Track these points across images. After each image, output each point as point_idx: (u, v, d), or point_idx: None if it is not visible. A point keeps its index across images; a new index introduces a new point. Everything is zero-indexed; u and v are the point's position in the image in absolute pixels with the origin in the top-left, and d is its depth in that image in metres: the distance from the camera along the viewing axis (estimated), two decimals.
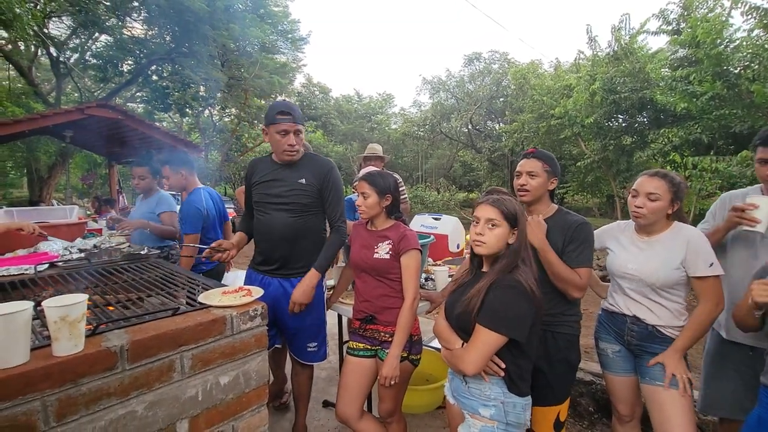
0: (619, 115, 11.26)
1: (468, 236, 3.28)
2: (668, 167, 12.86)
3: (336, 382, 2.66)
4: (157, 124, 11.05)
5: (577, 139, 12.19)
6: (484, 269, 1.44)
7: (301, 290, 1.83)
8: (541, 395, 1.66)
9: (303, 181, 1.89)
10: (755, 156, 1.67)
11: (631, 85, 9.92)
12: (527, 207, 1.73)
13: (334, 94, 26.92)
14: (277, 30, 14.01)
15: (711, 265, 1.53)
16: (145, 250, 2.14)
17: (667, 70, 9.81)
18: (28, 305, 0.91)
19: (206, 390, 1.22)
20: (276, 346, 2.16)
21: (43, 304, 0.95)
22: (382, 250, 1.68)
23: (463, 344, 1.35)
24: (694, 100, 7.52)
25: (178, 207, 2.79)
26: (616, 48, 10.37)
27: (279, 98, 17.49)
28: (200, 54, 10.93)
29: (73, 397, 0.96)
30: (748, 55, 6.78)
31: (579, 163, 12.54)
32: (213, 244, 1.94)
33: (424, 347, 1.88)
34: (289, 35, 14.67)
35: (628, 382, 1.73)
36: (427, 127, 21.64)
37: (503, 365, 1.30)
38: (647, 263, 1.64)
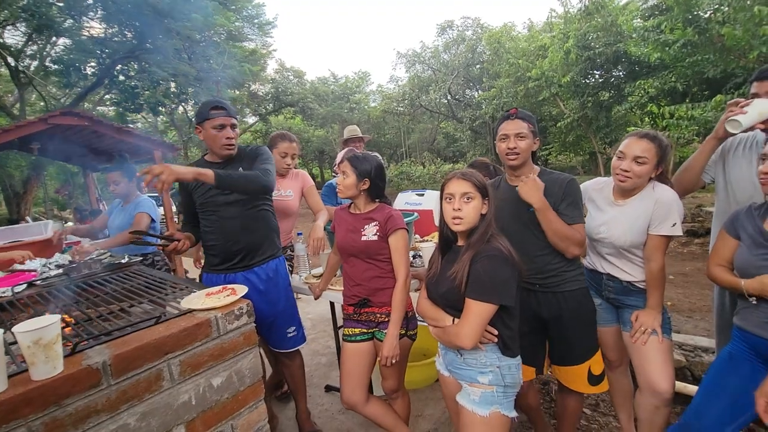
0: (595, 71, 11.25)
1: None
2: (646, 118, 12.96)
3: (336, 367, 2.71)
4: (131, 126, 10.74)
5: (556, 99, 12.18)
6: (459, 243, 1.45)
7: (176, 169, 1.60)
8: (567, 357, 1.70)
9: (241, 170, 1.85)
10: (749, 92, 1.62)
11: (604, 40, 9.88)
12: (514, 170, 1.69)
13: (309, 78, 26.24)
14: (242, 16, 13.52)
15: (674, 225, 1.56)
16: (126, 259, 2.10)
17: (638, 21, 9.75)
18: None
19: (199, 394, 1.22)
20: None
21: (12, 329, 0.93)
22: (370, 232, 1.67)
23: (453, 320, 1.37)
24: (667, 48, 7.51)
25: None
26: (587, 3, 10.25)
27: (253, 87, 17.06)
28: (165, 49, 10.52)
29: (59, 418, 0.94)
30: None
31: (559, 124, 12.58)
32: (166, 233, 1.91)
33: (418, 323, 1.90)
34: (255, 20, 14.18)
35: (612, 332, 1.80)
36: (406, 101, 21.39)
37: (496, 332, 1.33)
38: (616, 227, 1.65)
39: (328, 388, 2.52)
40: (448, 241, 1.49)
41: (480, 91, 18.72)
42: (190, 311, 1.31)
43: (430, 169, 18.36)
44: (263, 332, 1.98)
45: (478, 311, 1.28)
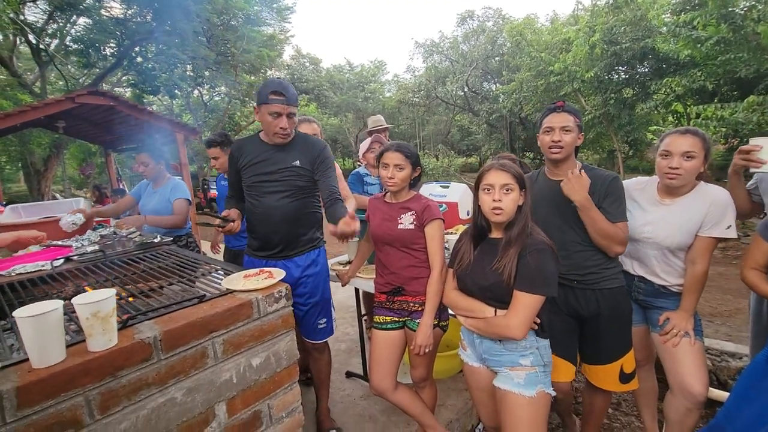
0: (620, 68, 10.97)
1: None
2: (670, 117, 12.67)
3: (356, 354, 2.73)
4: (149, 108, 10.82)
5: (577, 95, 11.93)
6: (495, 235, 1.45)
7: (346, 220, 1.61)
8: (602, 355, 1.68)
9: (297, 163, 1.82)
10: None
11: (632, 35, 9.60)
12: (557, 165, 1.67)
13: (324, 65, 26.17)
14: (261, 0, 13.41)
15: (728, 227, 1.53)
16: (158, 239, 2.13)
17: (669, 16, 9.44)
18: (58, 304, 0.90)
19: (240, 372, 1.24)
20: None
21: (72, 301, 0.94)
22: (406, 221, 1.66)
23: (495, 311, 1.38)
24: (698, 45, 7.29)
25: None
26: None
27: (269, 73, 17.03)
28: (184, 31, 10.52)
29: (114, 389, 0.96)
30: None
31: None
32: (223, 213, 1.85)
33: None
34: (274, 5, 14.06)
35: (639, 332, 1.79)
36: (422, 92, 21.18)
37: (539, 320, 1.38)
38: (664, 226, 1.62)
39: (349, 374, 2.54)
40: (481, 232, 1.48)
41: (498, 85, 18.43)
42: (231, 292, 1.32)
43: (444, 162, 18.23)
44: (297, 319, 1.98)
45: (529, 303, 1.31)
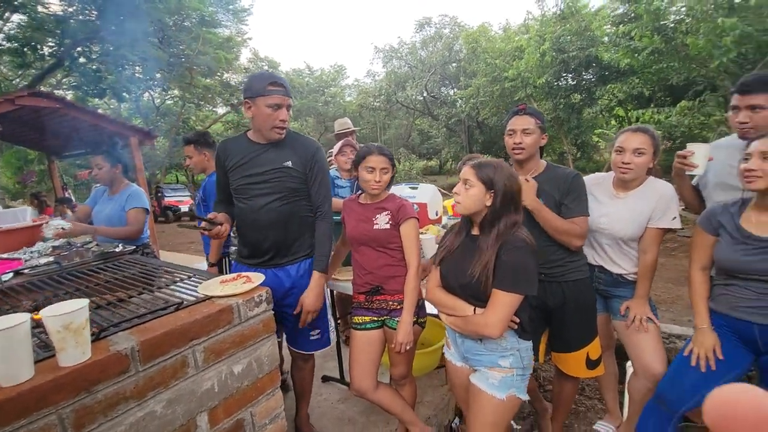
0: (568, 74, 11.65)
1: (445, 203, 3.34)
2: (613, 121, 13.61)
3: (332, 357, 2.70)
4: (101, 112, 10.10)
5: (530, 100, 12.52)
6: (475, 232, 1.47)
7: (312, 297, 1.72)
8: (568, 344, 1.77)
9: (289, 164, 1.73)
10: (729, 104, 1.74)
11: (578, 44, 10.24)
12: (521, 165, 1.76)
13: (283, 68, 25.72)
14: (216, 1, 13.01)
15: (674, 219, 1.68)
16: (119, 248, 2.01)
17: (609, 27, 10.17)
18: (25, 317, 0.84)
19: (221, 380, 1.20)
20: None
21: (41, 313, 0.88)
22: (382, 221, 1.68)
23: (474, 310, 1.39)
24: (636, 55, 7.89)
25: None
26: (562, 7, 10.58)
27: (226, 76, 16.50)
28: (133, 31, 9.97)
29: (89, 405, 0.91)
30: (683, 9, 7.15)
31: None
32: (209, 216, 1.75)
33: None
34: (230, 6, 13.69)
35: (601, 320, 1.90)
36: (382, 97, 21.35)
37: (518, 320, 1.38)
38: (619, 219, 1.75)
39: (326, 379, 2.51)
40: (468, 228, 1.50)
41: (456, 90, 18.96)
42: (209, 298, 1.28)
43: (405, 165, 18.45)
44: (286, 330, 1.92)
45: (507, 301, 1.31)
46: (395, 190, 3.30)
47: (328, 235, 1.80)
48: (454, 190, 1.45)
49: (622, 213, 1.74)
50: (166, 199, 15.27)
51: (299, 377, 2.00)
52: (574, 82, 11.85)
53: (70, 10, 10.64)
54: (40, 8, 10.09)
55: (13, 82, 12.14)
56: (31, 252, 2.05)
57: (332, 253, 1.96)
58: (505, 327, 1.34)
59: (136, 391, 1.00)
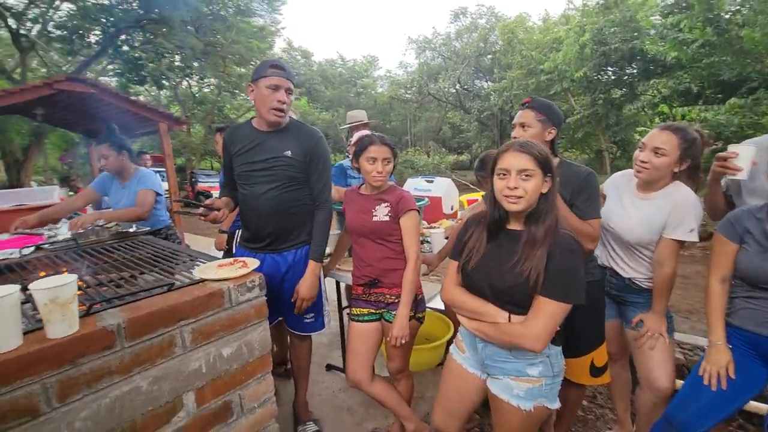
0: (609, 68, 11.09)
1: (461, 197, 3.27)
2: (656, 119, 12.87)
3: (337, 346, 2.72)
4: (134, 98, 10.58)
5: (567, 94, 12.04)
6: (513, 227, 1.27)
7: (307, 285, 1.75)
8: (574, 347, 1.66)
9: (289, 153, 1.74)
10: None
11: (621, 36, 9.70)
12: None
13: (316, 59, 26.00)
14: None
15: (691, 231, 1.50)
16: (134, 228, 2.09)
17: (657, 17, 9.56)
18: (13, 288, 0.88)
19: (209, 362, 1.22)
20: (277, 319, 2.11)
21: (30, 287, 0.92)
22: (381, 213, 1.65)
23: (509, 317, 1.22)
24: (685, 48, 7.40)
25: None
26: None
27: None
28: (172, 20, 10.32)
29: (74, 377, 0.94)
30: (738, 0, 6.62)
31: (568, 120, 12.45)
32: (206, 201, 1.78)
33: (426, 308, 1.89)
34: None
35: (614, 326, 1.80)
36: (414, 89, 21.13)
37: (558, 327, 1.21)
38: (628, 220, 1.63)
39: (329, 367, 2.53)
40: (497, 225, 1.29)
41: (490, 83, 18.51)
42: (203, 281, 1.30)
43: (435, 158, 18.24)
44: (283, 311, 1.94)
45: (555, 311, 1.14)
46: (411, 182, 3.27)
47: (326, 224, 1.82)
48: (507, 184, 1.19)
49: (632, 215, 1.62)
50: (199, 184, 15.79)
51: (295, 356, 2.04)
52: (615, 77, 11.26)
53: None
54: None
55: (63, 68, 12.85)
56: (57, 228, 2.16)
57: (331, 234, 1.96)
58: (549, 341, 1.16)
59: (122, 367, 1.02)
